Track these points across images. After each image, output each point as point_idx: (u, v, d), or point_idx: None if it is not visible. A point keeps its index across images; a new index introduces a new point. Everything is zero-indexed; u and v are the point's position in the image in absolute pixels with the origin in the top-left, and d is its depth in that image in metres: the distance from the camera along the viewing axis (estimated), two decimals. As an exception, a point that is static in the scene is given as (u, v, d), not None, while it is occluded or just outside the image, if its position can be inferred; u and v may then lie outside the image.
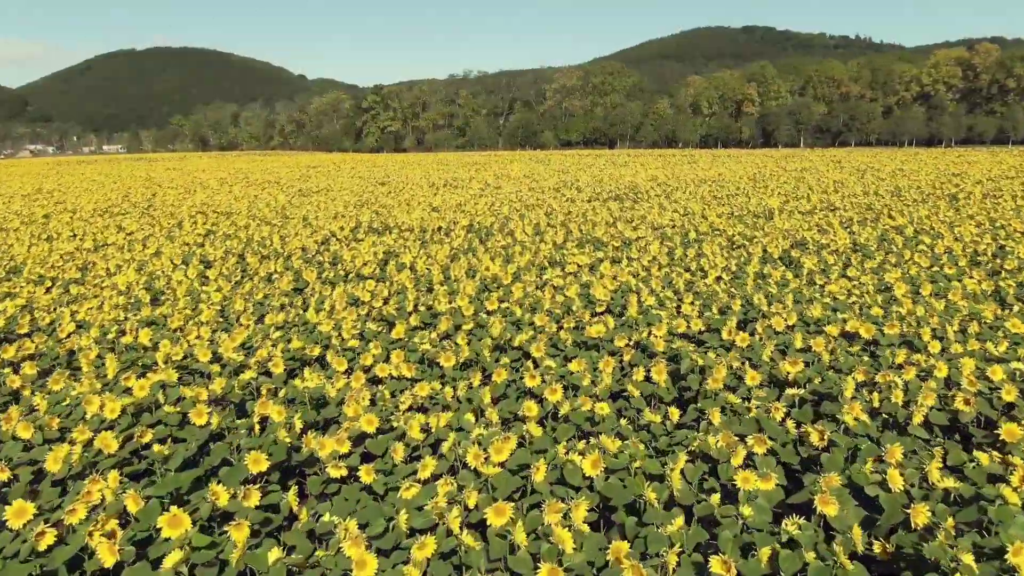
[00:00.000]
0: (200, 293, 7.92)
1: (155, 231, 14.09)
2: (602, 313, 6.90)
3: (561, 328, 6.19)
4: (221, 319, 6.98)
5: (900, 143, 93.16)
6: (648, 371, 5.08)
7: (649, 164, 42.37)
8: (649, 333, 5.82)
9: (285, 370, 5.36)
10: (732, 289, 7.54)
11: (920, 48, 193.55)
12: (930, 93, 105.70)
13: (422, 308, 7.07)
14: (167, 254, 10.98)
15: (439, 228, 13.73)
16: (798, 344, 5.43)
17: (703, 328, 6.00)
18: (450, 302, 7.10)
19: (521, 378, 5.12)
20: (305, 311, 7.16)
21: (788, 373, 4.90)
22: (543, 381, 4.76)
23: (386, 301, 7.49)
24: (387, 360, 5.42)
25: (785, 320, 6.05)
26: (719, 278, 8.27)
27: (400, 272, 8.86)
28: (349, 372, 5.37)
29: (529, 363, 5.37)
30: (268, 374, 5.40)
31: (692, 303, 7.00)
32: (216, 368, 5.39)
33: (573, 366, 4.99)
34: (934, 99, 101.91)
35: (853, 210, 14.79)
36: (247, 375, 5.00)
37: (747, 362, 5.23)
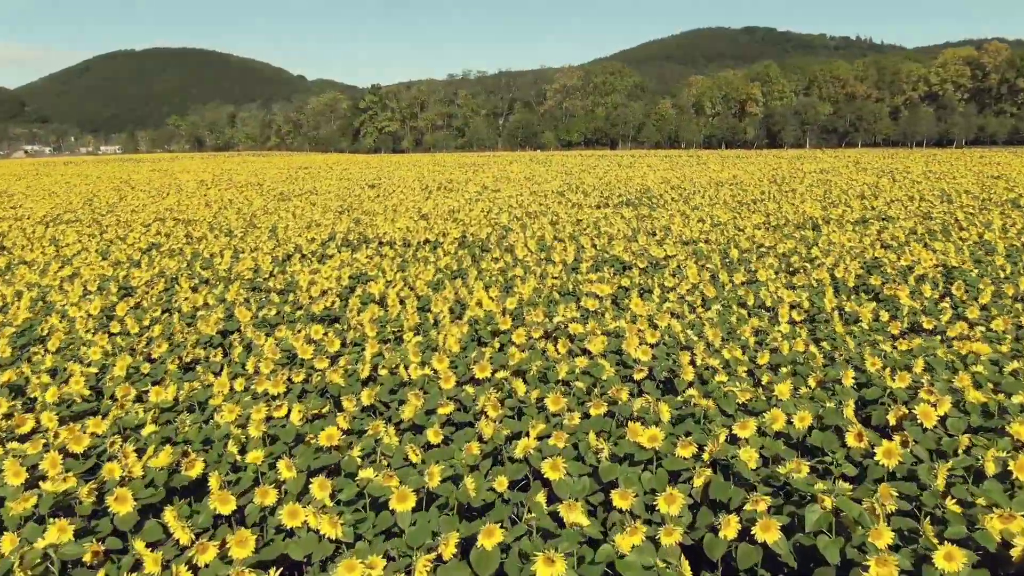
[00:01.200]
0: (81, 346, 5.77)
1: (91, 244, 11.95)
2: (642, 381, 4.77)
3: (587, 415, 4.06)
4: (90, 391, 4.83)
5: (908, 143, 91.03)
6: (744, 522, 2.95)
7: (656, 165, 40.26)
8: (730, 435, 3.66)
9: (135, 509, 3.22)
10: (824, 343, 5.39)
11: (921, 49, 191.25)
12: (938, 93, 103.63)
13: (384, 372, 4.92)
14: (85, 276, 8.84)
15: (425, 241, 11.60)
16: (990, 468, 3.27)
17: (813, 423, 3.85)
18: (424, 363, 4.96)
19: (529, 531, 3.00)
20: (219, 374, 5.01)
21: (1004, 535, 2.76)
22: (568, 565, 2.62)
23: (334, 360, 5.34)
24: (303, 495, 3.28)
25: (934, 407, 3.90)
26: (793, 322, 6.13)
27: (364, 309, 6.72)
28: (239, 517, 3.23)
29: (540, 497, 3.23)
30: (106, 513, 3.26)
31: (771, 366, 4.86)
32: (29, 503, 3.25)
33: (619, 537, 2.82)
34: (943, 99, 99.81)
35: (911, 219, 12.65)
36: (52, 535, 2.85)
37: (914, 505, 3.10)
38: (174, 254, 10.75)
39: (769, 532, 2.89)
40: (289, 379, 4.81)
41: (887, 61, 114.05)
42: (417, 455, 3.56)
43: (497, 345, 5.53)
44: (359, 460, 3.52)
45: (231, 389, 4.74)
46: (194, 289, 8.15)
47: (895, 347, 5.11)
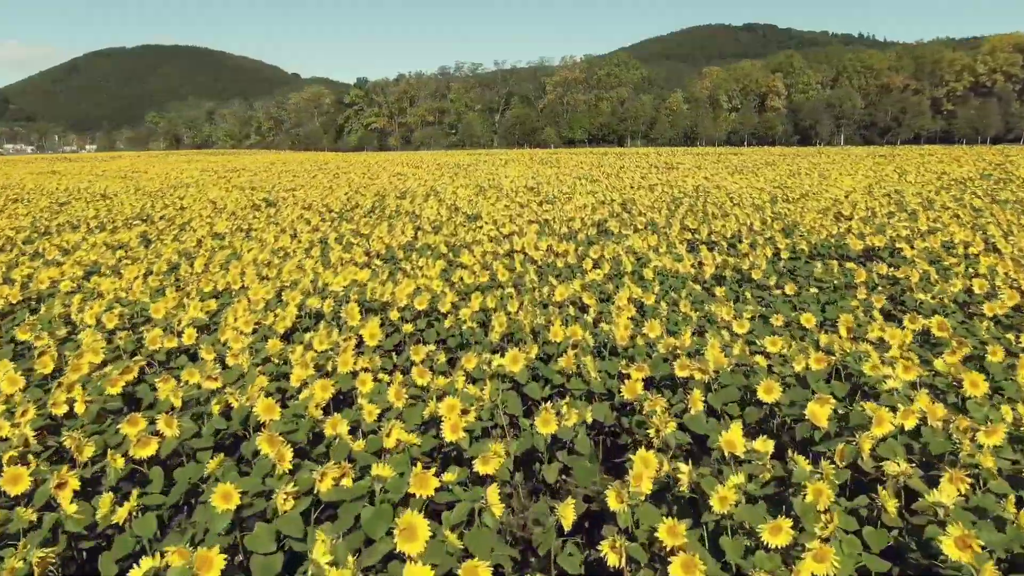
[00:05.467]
0: None
1: None
2: None
3: None
4: None
5: (957, 139, 79.93)
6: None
7: (709, 167, 29.02)
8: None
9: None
10: None
11: (928, 43, 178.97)
12: (986, 84, 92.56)
13: None
14: None
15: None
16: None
17: None
18: None
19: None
20: None
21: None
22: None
23: None
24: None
25: None
26: None
27: None
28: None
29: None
30: None
31: None
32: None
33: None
34: (994, 90, 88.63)
35: None
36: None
37: None
38: None
39: None
40: None
41: (925, 50, 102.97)
42: None
43: None
44: None
45: None
46: None
47: None
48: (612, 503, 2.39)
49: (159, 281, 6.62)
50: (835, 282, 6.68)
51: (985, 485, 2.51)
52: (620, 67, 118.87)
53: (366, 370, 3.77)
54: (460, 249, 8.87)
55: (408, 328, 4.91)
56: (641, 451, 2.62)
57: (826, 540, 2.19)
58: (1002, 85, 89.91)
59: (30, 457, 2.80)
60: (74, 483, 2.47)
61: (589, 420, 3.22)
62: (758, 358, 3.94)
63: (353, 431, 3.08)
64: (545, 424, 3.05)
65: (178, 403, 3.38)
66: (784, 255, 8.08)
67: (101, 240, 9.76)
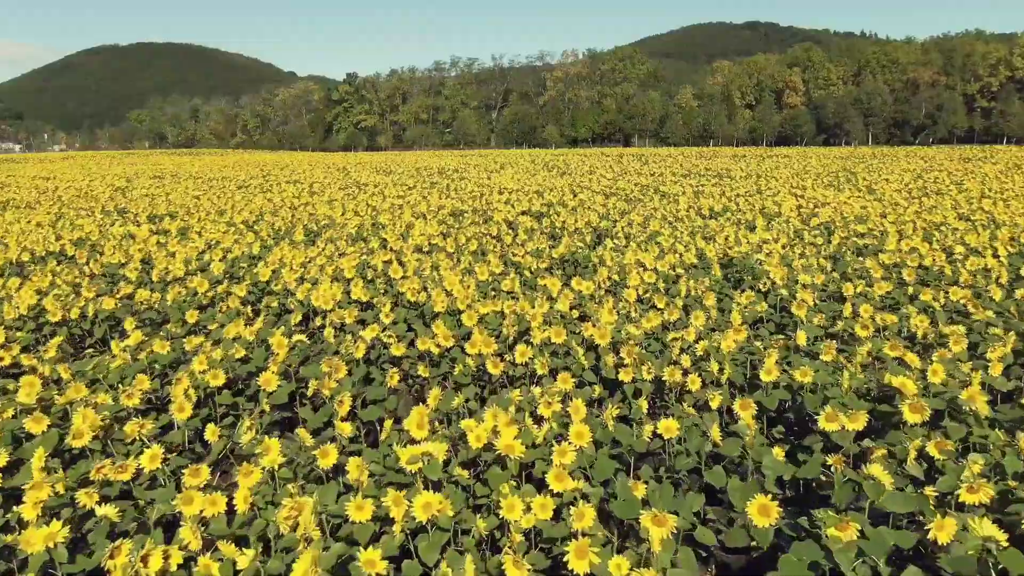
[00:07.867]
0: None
1: None
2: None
3: None
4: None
5: (1004, 139, 72.73)
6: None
7: (771, 174, 21.81)
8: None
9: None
10: None
11: (934, 40, 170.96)
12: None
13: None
14: None
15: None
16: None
17: None
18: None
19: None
20: None
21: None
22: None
23: None
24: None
25: None
26: None
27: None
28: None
29: None
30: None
31: None
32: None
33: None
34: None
35: None
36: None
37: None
38: None
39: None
40: None
41: (956, 42, 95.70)
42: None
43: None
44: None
45: None
46: None
47: None
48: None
49: None
50: None
51: None
52: (625, 62, 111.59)
53: None
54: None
55: None
56: None
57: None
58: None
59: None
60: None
61: None
62: None
63: None
64: None
65: None
66: None
67: None
